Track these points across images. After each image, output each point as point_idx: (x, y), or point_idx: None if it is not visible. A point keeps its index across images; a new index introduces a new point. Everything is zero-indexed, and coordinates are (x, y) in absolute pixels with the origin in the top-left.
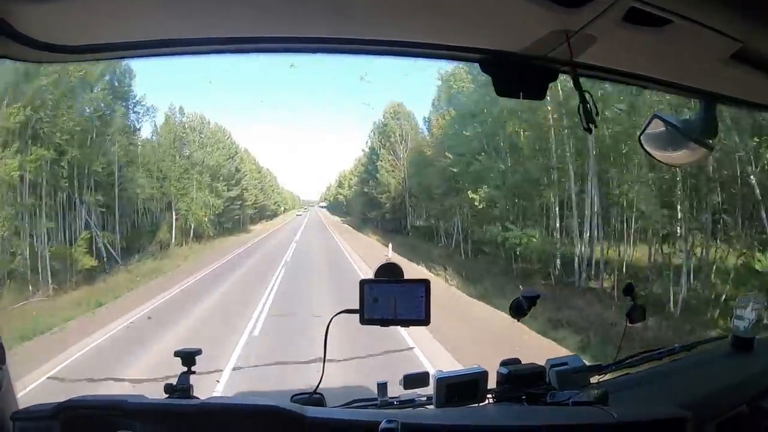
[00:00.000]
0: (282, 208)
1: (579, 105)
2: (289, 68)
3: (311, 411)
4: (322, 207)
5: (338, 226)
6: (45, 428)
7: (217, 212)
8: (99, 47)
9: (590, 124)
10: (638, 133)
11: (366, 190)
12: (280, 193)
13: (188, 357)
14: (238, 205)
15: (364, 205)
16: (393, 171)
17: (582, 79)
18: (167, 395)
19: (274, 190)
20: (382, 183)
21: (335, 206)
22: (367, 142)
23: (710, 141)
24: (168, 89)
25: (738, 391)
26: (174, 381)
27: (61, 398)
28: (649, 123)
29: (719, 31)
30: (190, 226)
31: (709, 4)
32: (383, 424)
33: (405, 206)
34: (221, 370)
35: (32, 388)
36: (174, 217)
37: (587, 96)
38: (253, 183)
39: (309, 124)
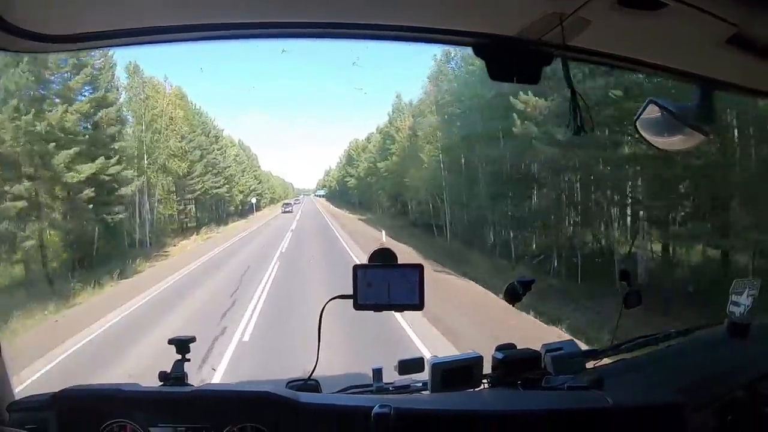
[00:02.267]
0: (267, 198)
1: (570, 106)
2: (280, 54)
3: (305, 397)
4: (319, 195)
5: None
6: (41, 418)
7: None
8: (88, 36)
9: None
10: (634, 118)
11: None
12: (259, 178)
13: (182, 345)
14: (90, 195)
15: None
16: None
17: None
18: (162, 383)
19: (247, 171)
20: None
21: (342, 194)
22: None
23: (706, 127)
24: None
25: (734, 376)
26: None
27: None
28: (645, 108)
29: (714, 15)
30: None
31: None
32: (376, 409)
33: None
34: None
35: None
36: None
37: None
38: (187, 150)
39: (301, 110)
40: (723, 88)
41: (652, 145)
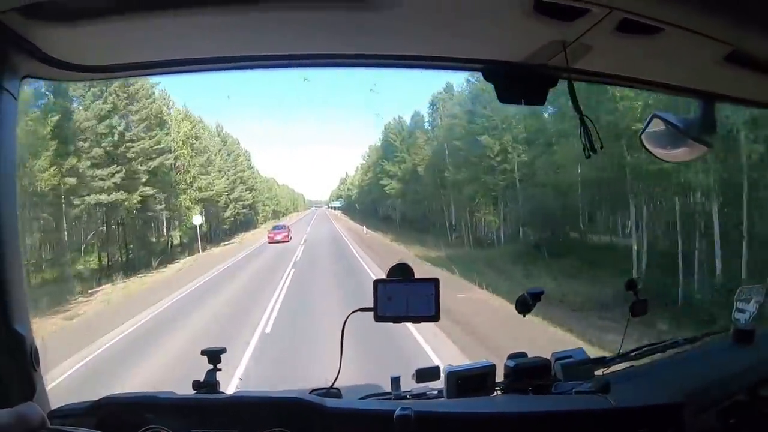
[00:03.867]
0: (267, 211)
1: (580, 129)
2: (296, 74)
3: (330, 402)
4: (335, 207)
5: None
6: (81, 426)
7: None
8: (122, 66)
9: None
10: (639, 133)
11: None
12: (248, 182)
13: (214, 355)
14: None
15: None
16: None
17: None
18: (195, 391)
19: (225, 170)
20: None
21: (368, 204)
22: None
23: (709, 139)
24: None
25: (738, 380)
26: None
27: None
28: (650, 122)
29: (710, 36)
30: None
31: (697, 12)
32: (398, 412)
33: None
34: None
35: None
36: None
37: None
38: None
39: (319, 131)
40: (725, 101)
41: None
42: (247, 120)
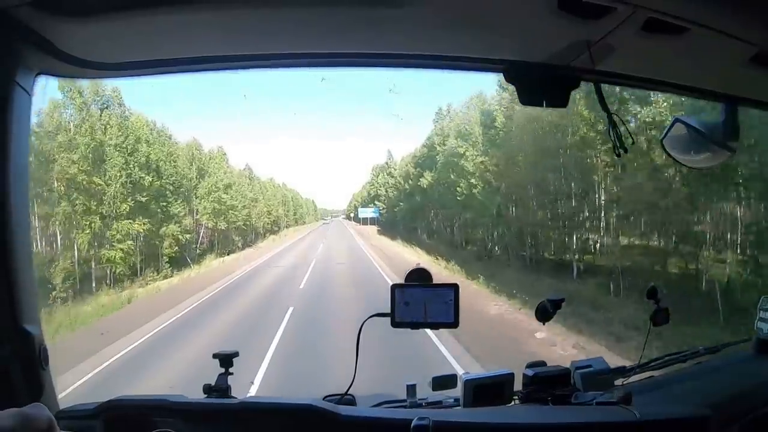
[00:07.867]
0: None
1: (609, 128)
2: (310, 75)
3: (344, 410)
4: (366, 219)
5: None
6: (87, 427)
7: None
8: (136, 64)
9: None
10: (660, 137)
11: None
12: (222, 176)
13: (226, 359)
14: None
15: None
16: None
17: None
18: (206, 395)
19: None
20: None
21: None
22: None
23: (732, 143)
24: (201, 101)
25: (760, 392)
26: (211, 382)
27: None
28: (672, 126)
29: (736, 37)
30: None
31: (724, 11)
32: (415, 422)
33: None
34: None
35: None
36: None
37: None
38: None
39: (336, 134)
40: (748, 105)
41: (680, 164)
42: (273, 131)
